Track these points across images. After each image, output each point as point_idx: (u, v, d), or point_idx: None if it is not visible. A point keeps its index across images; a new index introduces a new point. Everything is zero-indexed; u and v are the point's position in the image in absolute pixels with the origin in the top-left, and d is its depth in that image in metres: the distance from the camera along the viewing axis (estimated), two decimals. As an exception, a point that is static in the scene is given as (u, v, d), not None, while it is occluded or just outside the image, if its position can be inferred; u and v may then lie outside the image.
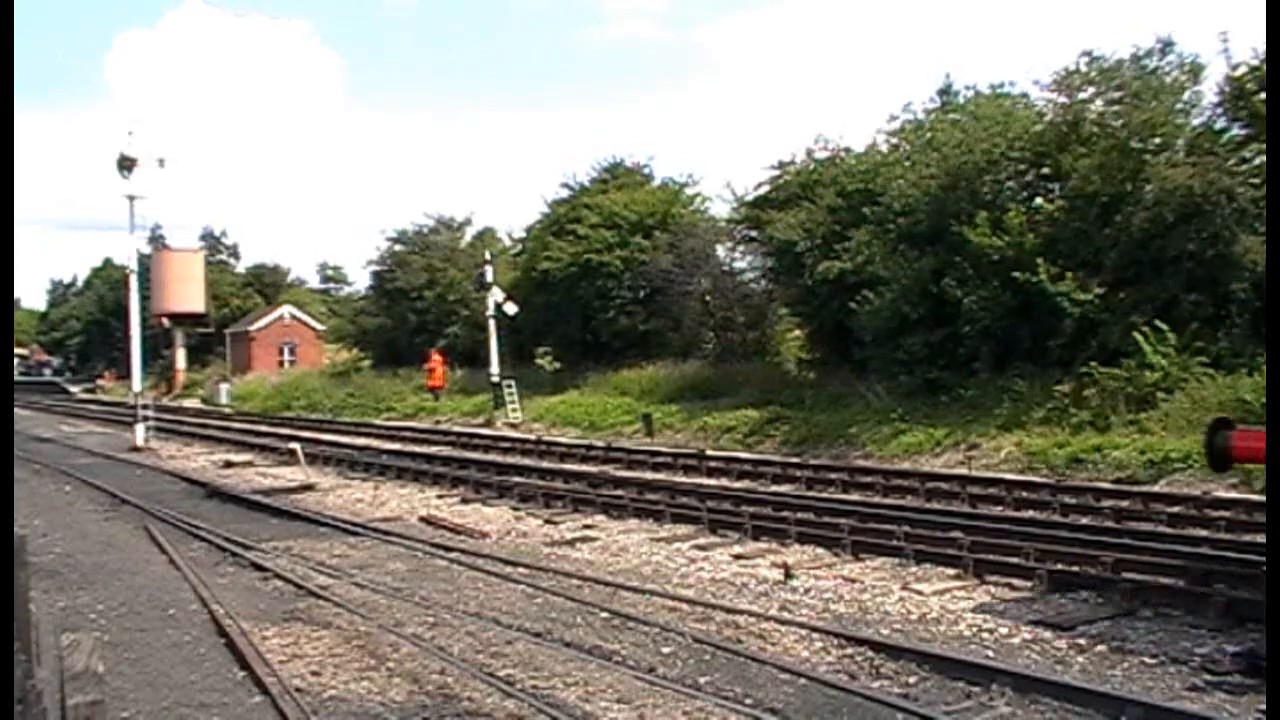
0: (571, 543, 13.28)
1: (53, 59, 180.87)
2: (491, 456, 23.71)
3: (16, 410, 40.22)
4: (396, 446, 26.96)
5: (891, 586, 10.28)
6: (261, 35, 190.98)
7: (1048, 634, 8.52)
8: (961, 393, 21.23)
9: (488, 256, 38.66)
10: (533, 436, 27.71)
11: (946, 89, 26.57)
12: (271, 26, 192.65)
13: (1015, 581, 10.14)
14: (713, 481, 18.21)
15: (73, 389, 75.25)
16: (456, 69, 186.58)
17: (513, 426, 31.93)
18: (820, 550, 12.01)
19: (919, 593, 9.96)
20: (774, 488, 17.15)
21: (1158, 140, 20.66)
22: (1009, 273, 20.35)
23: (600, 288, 35.90)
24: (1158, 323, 18.51)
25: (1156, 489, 15.03)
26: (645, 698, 7.23)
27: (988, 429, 19.61)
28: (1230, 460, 9.25)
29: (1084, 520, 12.95)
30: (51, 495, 19.40)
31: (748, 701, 7.14)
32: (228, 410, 48.52)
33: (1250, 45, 19.39)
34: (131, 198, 30.00)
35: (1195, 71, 20.71)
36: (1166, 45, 21.11)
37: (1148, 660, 7.83)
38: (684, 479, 18.53)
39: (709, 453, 21.79)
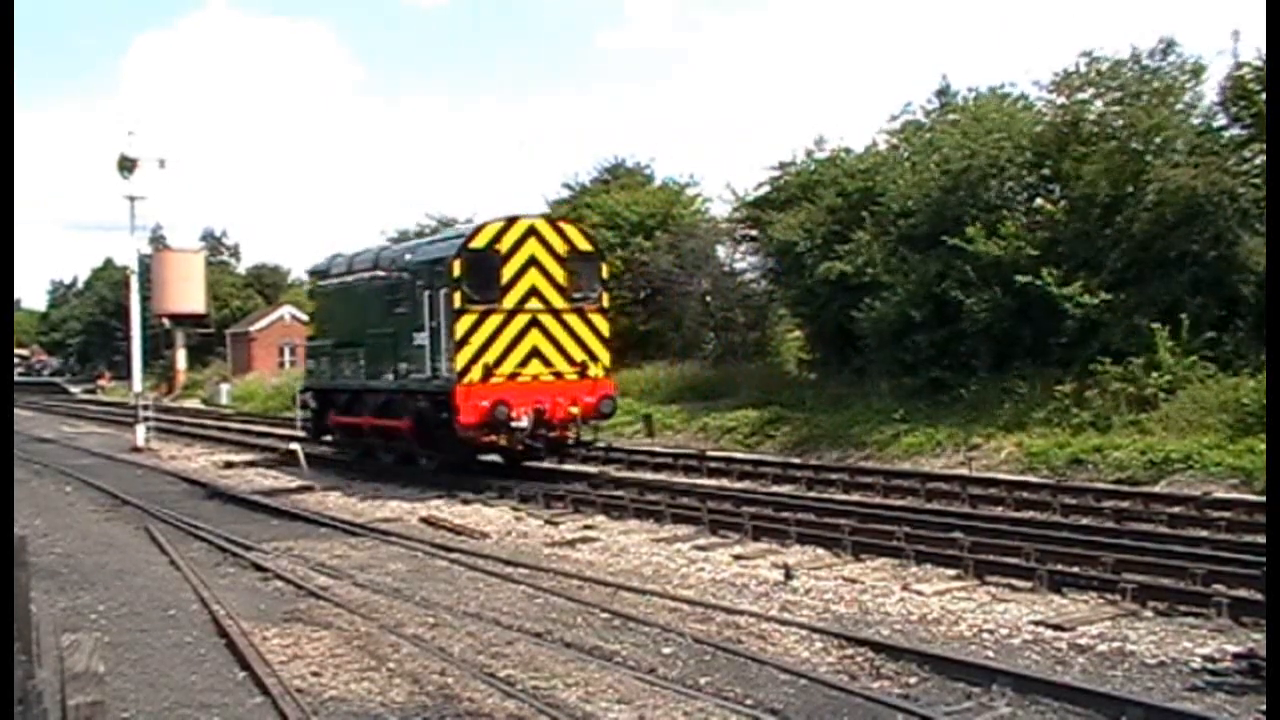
0: (572, 543, 13.28)
1: (63, 58, 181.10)
2: (491, 456, 23.61)
3: (17, 410, 40.26)
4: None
5: (892, 587, 10.28)
6: (261, 36, 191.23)
7: (1048, 634, 8.53)
8: (963, 393, 21.21)
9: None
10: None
11: (945, 90, 26.57)
12: (272, 27, 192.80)
13: (1015, 582, 10.14)
14: (713, 482, 18.18)
15: (73, 389, 75.23)
16: (458, 69, 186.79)
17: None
18: (821, 551, 12.01)
19: (919, 593, 9.97)
20: (774, 488, 17.12)
21: (1159, 141, 20.60)
22: (1009, 277, 20.31)
23: (600, 288, 35.84)
24: (1159, 323, 18.48)
25: (1157, 489, 15.04)
26: (646, 698, 7.24)
27: (988, 429, 19.60)
28: None
29: (1084, 521, 12.96)
30: (52, 496, 19.39)
31: (748, 702, 7.15)
32: (228, 410, 48.50)
33: (1254, 46, 19.40)
34: (132, 198, 29.97)
35: (1197, 72, 20.62)
36: (1169, 46, 21.02)
37: (1148, 660, 7.84)
38: (684, 479, 18.50)
39: (709, 453, 21.76)
